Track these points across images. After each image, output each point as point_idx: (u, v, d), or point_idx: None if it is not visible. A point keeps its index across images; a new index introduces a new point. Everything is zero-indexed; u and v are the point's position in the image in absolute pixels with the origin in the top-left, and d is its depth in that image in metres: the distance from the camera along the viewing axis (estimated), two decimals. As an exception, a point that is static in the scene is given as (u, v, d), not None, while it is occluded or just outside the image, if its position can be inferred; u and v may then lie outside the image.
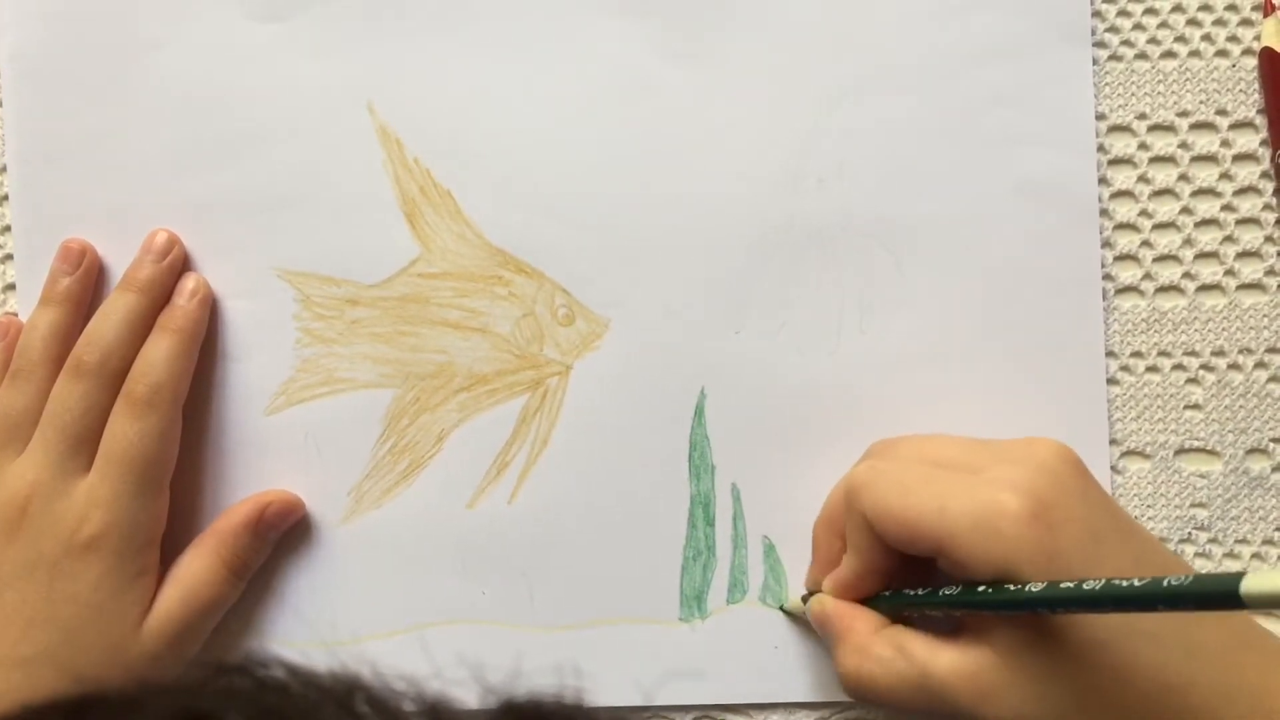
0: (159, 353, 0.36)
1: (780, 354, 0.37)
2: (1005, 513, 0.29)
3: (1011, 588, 0.29)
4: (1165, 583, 0.25)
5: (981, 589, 0.30)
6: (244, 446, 0.39)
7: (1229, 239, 0.38)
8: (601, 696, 0.38)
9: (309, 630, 0.38)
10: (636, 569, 0.38)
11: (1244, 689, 0.28)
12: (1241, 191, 0.38)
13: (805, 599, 0.36)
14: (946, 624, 0.32)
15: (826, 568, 0.35)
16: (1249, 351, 0.38)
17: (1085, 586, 0.27)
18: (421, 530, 0.38)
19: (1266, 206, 0.38)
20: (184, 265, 0.38)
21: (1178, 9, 0.38)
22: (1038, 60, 0.37)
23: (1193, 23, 0.38)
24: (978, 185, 0.37)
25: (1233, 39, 0.38)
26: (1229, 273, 0.38)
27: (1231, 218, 0.38)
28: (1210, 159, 0.38)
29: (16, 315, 0.39)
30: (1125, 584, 0.26)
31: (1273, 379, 0.38)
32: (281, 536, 0.38)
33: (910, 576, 0.33)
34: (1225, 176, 0.38)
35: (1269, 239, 0.38)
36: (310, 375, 0.39)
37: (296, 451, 0.38)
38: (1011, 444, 0.32)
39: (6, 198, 0.39)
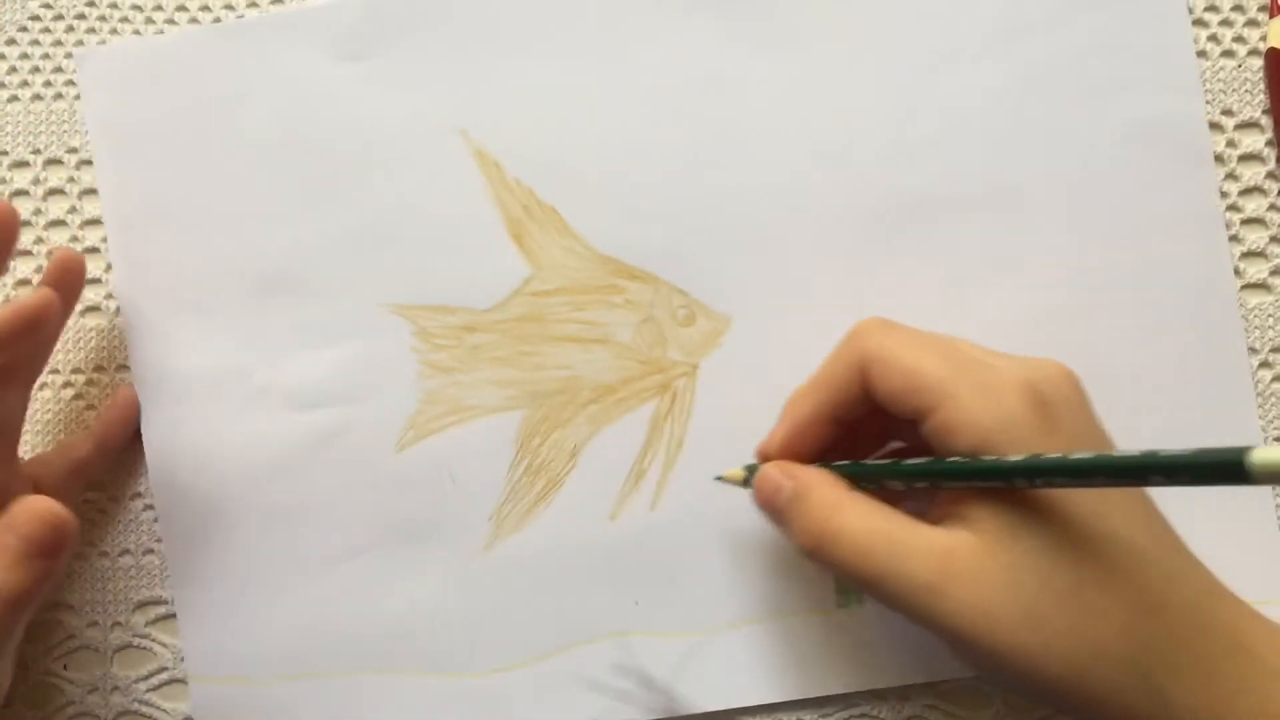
0: None
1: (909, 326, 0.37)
2: (1010, 390, 0.28)
3: (992, 458, 0.28)
4: (1163, 453, 0.24)
5: (957, 459, 0.28)
6: (377, 486, 0.38)
7: (1235, 239, 0.38)
8: (761, 695, 0.37)
9: (466, 662, 0.38)
10: (789, 561, 0.37)
11: (1220, 625, 0.28)
12: (1247, 192, 0.38)
13: (750, 470, 0.34)
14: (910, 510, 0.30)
15: None
16: (1254, 351, 0.37)
17: (1073, 457, 0.26)
18: (566, 548, 0.38)
19: (1272, 207, 0.38)
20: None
21: (1183, 11, 0.38)
22: (1120, 8, 0.37)
23: (1199, 23, 0.38)
24: (1088, 137, 0.37)
25: (1239, 39, 0.38)
26: (1235, 272, 0.37)
27: (1237, 218, 0.38)
28: (1216, 159, 0.38)
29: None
30: (1119, 454, 0.25)
31: (1276, 379, 0.37)
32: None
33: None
34: (1231, 177, 0.38)
35: (1274, 239, 0.38)
36: (436, 406, 0.38)
37: (431, 484, 0.38)
38: (1021, 356, 0.31)
39: (110, 267, 0.39)
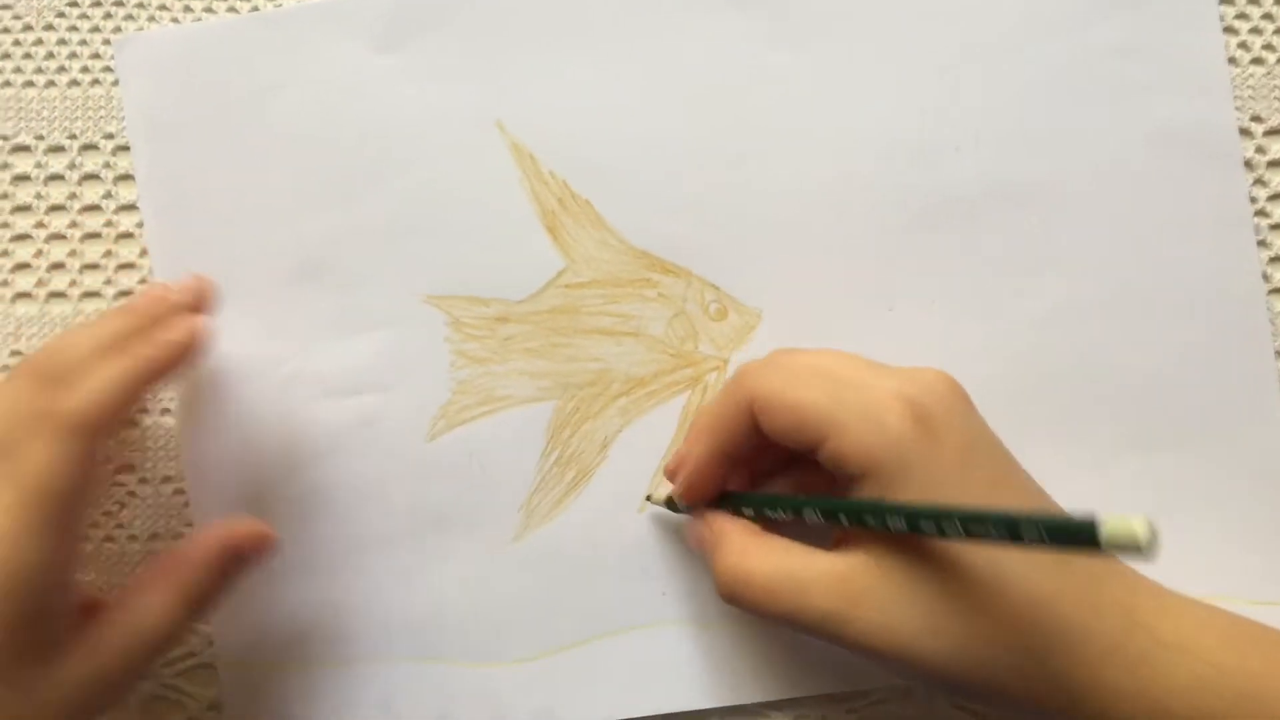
0: (101, 377, 0.32)
1: (937, 325, 0.38)
2: (892, 410, 0.30)
3: (870, 501, 0.29)
4: (1028, 516, 0.25)
5: (846, 501, 0.30)
6: (408, 475, 0.39)
7: (1263, 244, 0.38)
8: (787, 688, 0.38)
9: (494, 651, 0.38)
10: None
11: (1112, 604, 0.29)
12: (1275, 197, 0.38)
13: (669, 503, 0.36)
14: (820, 542, 0.32)
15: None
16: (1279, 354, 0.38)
17: (958, 507, 0.27)
18: (596, 538, 0.38)
19: (1298, 212, 0.38)
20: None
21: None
22: (1153, 10, 0.37)
23: (1229, 30, 0.38)
24: (1115, 137, 0.37)
25: (1268, 47, 0.39)
26: (1263, 277, 0.38)
27: (1265, 223, 0.38)
28: (1245, 165, 0.38)
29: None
30: (996, 512, 0.26)
31: (1304, 382, 0.38)
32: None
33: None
34: (1259, 182, 0.38)
35: (1299, 244, 0.38)
36: (468, 396, 0.39)
37: (461, 474, 0.38)
38: (898, 367, 0.32)
39: (145, 252, 0.40)
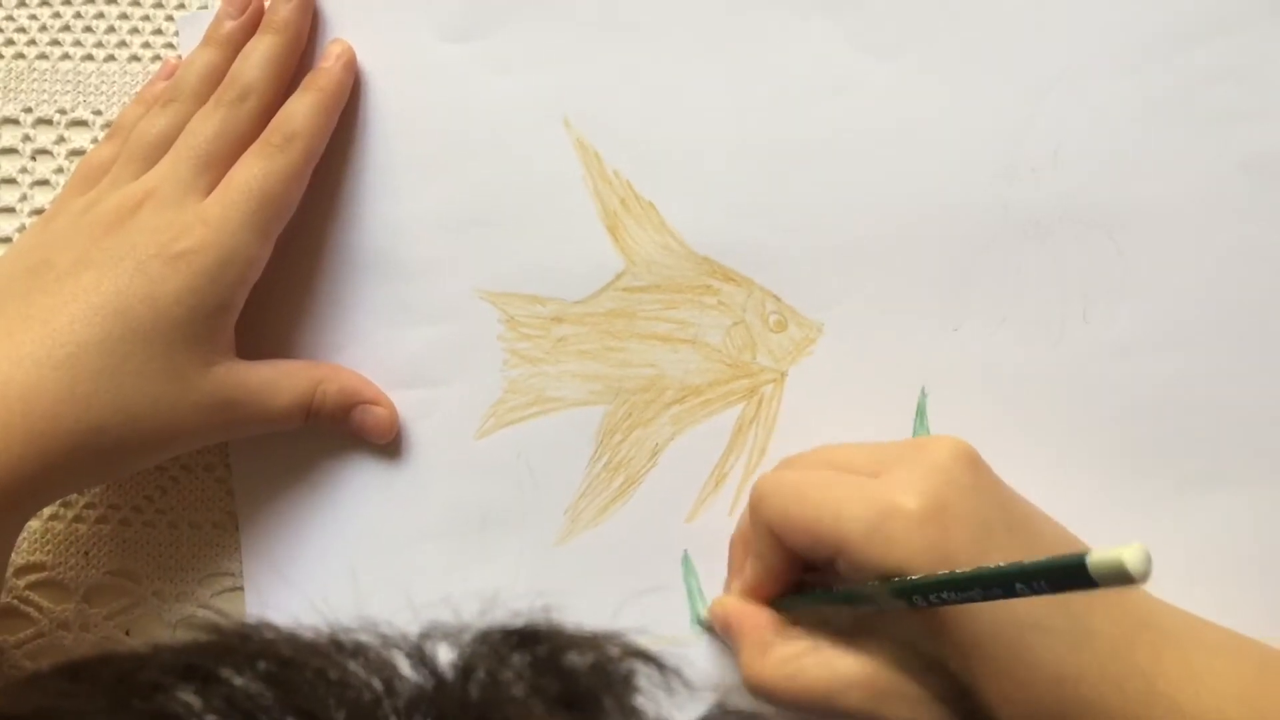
0: (300, 107, 0.36)
1: (1002, 348, 0.37)
2: (898, 515, 0.29)
3: (878, 582, 0.29)
4: (1020, 566, 0.25)
5: (859, 586, 0.30)
6: (454, 471, 0.38)
7: None
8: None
9: (533, 656, 0.37)
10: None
11: (1135, 674, 0.28)
12: None
13: None
14: (849, 628, 0.31)
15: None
16: None
17: (955, 573, 0.27)
18: (641, 547, 0.37)
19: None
20: (314, 6, 0.38)
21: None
22: (1255, 34, 0.36)
23: None
24: (1199, 166, 0.36)
25: None
26: None
27: None
28: None
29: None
30: (990, 569, 0.26)
31: None
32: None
33: (816, 580, 0.33)
34: None
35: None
36: (519, 396, 0.38)
37: (508, 473, 0.38)
38: (907, 445, 0.32)
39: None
